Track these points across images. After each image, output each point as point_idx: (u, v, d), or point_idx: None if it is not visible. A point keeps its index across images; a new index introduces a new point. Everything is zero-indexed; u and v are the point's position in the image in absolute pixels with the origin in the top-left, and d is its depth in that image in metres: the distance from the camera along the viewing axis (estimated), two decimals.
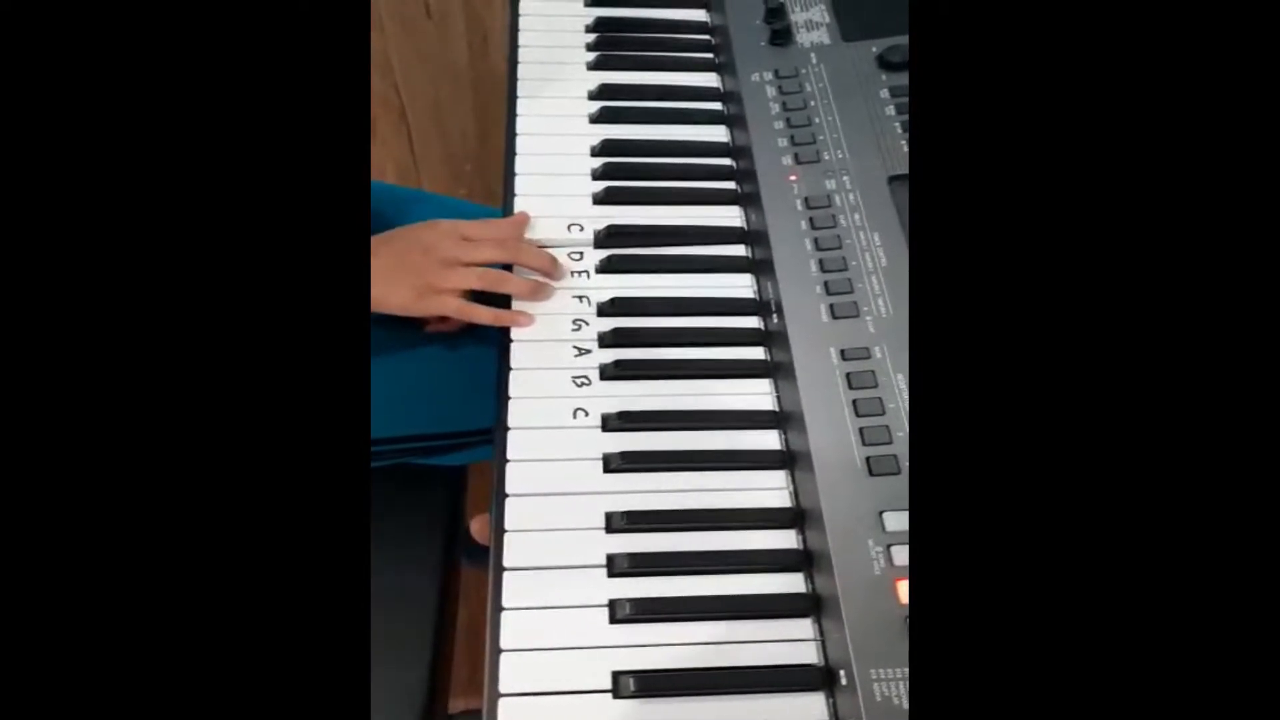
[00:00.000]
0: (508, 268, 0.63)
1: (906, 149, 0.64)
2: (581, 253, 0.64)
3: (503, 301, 0.62)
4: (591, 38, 0.77)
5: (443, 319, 0.62)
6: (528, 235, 0.64)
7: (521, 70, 0.74)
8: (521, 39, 0.76)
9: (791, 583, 0.51)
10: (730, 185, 0.69)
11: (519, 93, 0.73)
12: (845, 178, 0.63)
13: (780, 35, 0.71)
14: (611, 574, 0.51)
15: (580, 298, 0.62)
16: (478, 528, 0.94)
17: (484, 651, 0.48)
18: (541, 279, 0.62)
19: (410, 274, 0.59)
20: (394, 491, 0.75)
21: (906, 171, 0.62)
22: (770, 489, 0.55)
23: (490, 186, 1.33)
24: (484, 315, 0.60)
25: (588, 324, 0.61)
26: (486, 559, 0.53)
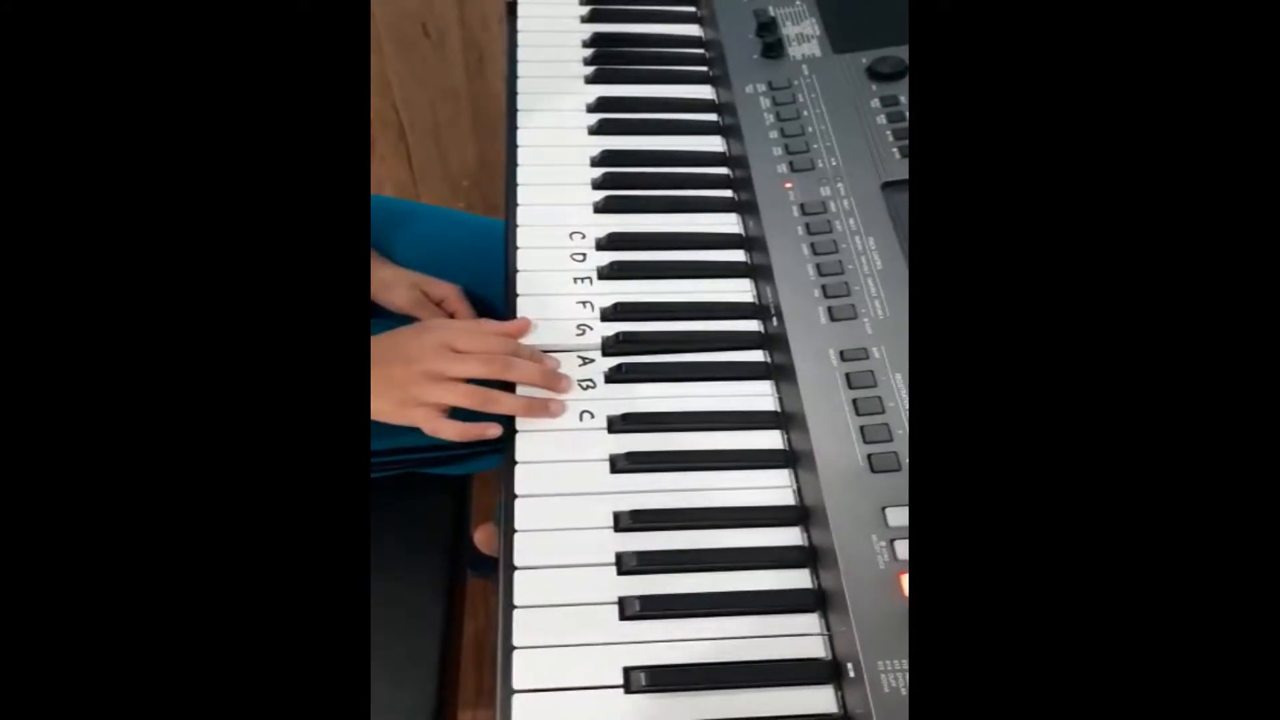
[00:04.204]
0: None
1: (898, 156, 0.65)
2: (584, 254, 0.66)
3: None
4: (589, 53, 0.79)
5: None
6: (530, 339, 0.61)
7: (521, 84, 0.76)
8: (521, 54, 0.78)
9: (797, 578, 0.52)
10: (728, 193, 0.70)
11: (519, 106, 0.74)
12: (840, 184, 0.64)
13: (772, 48, 0.73)
14: (620, 572, 0.51)
15: (584, 303, 0.63)
16: (482, 537, 0.95)
17: (490, 663, 0.49)
18: (543, 394, 0.58)
19: (393, 386, 0.57)
20: (399, 501, 0.76)
21: (898, 178, 0.64)
22: (774, 487, 0.56)
23: (488, 201, 1.34)
24: (449, 430, 0.58)
25: (591, 329, 0.62)
26: (491, 569, 0.53)
